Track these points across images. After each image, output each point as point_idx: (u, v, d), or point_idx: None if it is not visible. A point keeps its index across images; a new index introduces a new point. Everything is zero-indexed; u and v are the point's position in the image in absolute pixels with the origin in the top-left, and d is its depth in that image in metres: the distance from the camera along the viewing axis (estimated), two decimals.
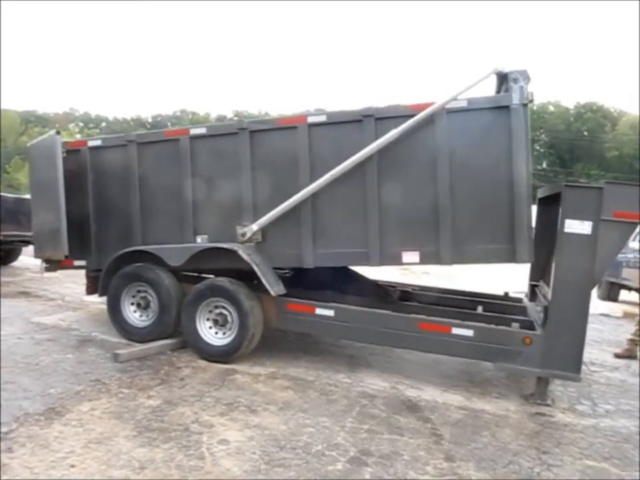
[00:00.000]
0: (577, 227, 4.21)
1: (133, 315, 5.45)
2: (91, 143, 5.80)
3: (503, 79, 4.72)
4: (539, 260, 6.10)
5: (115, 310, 5.46)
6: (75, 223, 5.54)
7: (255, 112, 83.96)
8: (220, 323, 5.05)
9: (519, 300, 6.10)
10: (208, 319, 5.14)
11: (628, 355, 6.13)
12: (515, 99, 4.42)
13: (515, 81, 4.44)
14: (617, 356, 6.15)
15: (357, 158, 4.72)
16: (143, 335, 5.31)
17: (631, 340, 6.22)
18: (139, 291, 5.44)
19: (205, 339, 5.07)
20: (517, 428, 3.99)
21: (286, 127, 5.11)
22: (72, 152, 5.71)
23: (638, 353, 6.16)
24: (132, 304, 5.47)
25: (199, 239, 5.36)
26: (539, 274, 6.10)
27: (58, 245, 5.32)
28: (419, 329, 4.66)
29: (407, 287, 6.25)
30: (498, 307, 5.71)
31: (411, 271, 12.94)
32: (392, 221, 4.76)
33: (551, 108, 68.38)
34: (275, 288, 4.89)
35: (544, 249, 5.41)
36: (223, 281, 5.07)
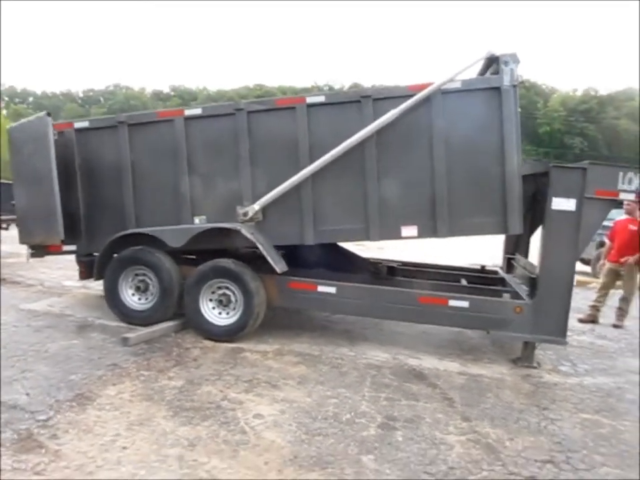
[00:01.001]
0: (563, 204, 4.62)
1: (132, 299, 5.42)
2: (77, 125, 5.59)
3: (491, 61, 5.00)
4: (510, 237, 6.62)
5: (112, 294, 5.39)
6: (62, 208, 5.38)
7: (193, 87, 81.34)
8: (224, 303, 5.14)
9: (495, 272, 6.57)
10: (211, 300, 5.21)
11: (591, 320, 6.78)
12: (506, 81, 4.72)
13: (506, 63, 4.73)
14: (581, 321, 6.78)
15: (357, 138, 4.89)
16: (143, 318, 5.30)
17: (593, 306, 6.87)
18: (136, 275, 5.39)
19: (209, 319, 5.16)
20: (515, 389, 4.41)
21: (284, 107, 5.18)
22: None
23: (599, 318, 6.82)
24: (130, 287, 5.43)
25: (196, 220, 5.37)
26: (512, 247, 6.58)
27: (52, 229, 5.15)
28: (418, 303, 4.97)
29: (391, 262, 6.55)
30: (478, 279, 6.14)
31: (366, 247, 13.38)
32: (391, 197, 4.98)
33: None
34: (279, 265, 5.02)
35: None
36: (228, 262, 5.14)
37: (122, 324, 5.35)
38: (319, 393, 4.08)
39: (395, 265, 6.40)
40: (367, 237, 5.04)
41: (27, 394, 3.60)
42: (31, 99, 75.88)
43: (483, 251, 11.55)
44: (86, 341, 4.80)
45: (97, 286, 7.10)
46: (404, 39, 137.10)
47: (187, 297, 5.18)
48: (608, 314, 7.02)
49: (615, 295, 7.19)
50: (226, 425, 3.45)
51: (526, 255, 6.31)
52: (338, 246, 6.00)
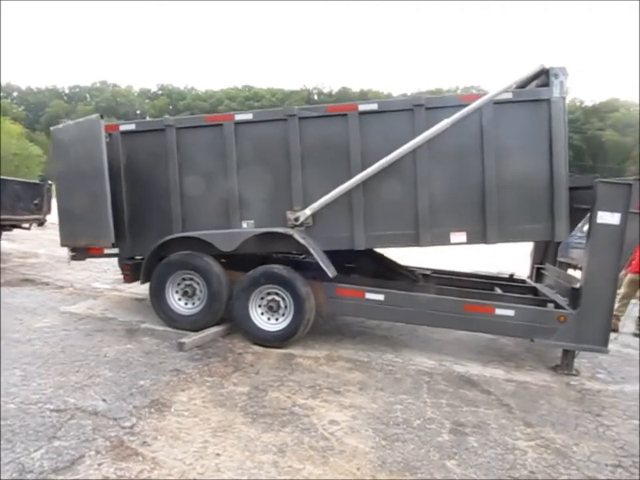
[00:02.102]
0: (607, 218, 4.80)
1: (178, 303, 5.43)
2: (123, 127, 5.59)
3: (539, 73, 5.13)
4: (539, 245, 6.82)
5: (159, 298, 5.40)
6: None
7: (181, 86, 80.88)
8: (273, 309, 5.20)
9: (524, 281, 6.76)
10: (260, 306, 5.26)
11: (612, 329, 7.00)
12: (556, 93, 4.88)
13: (556, 76, 4.89)
14: None
15: (411, 145, 4.99)
16: (190, 323, 5.32)
17: (614, 315, 7.09)
18: (183, 279, 5.41)
19: (258, 324, 5.21)
20: (563, 396, 4.57)
21: (336, 114, 5.27)
22: None
23: (619, 327, 7.06)
24: (177, 292, 5.44)
25: (244, 224, 5.42)
26: (541, 257, 6.78)
27: (102, 232, 5.13)
28: (465, 311, 5.10)
29: (423, 270, 6.68)
30: (509, 288, 6.31)
31: None
32: (441, 203, 5.10)
33: (474, 91, 71.96)
34: (330, 270, 5.10)
35: None
36: (279, 268, 5.20)
37: (168, 328, 5.37)
38: (382, 399, 4.17)
39: (427, 272, 6.53)
40: (417, 242, 5.16)
41: (104, 400, 3.61)
42: (15, 93, 74.38)
43: (481, 258, 11.83)
44: (140, 345, 4.81)
45: (127, 288, 7.11)
46: (393, 44, 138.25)
47: (237, 303, 5.22)
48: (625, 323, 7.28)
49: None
50: (306, 431, 3.52)
51: (553, 264, 6.52)
52: (374, 252, 6.09)
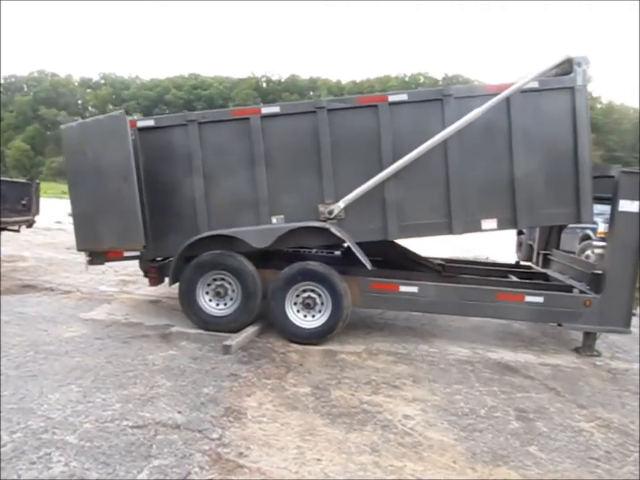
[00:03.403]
0: (628, 206, 5.07)
1: (209, 304, 5.27)
2: (140, 123, 5.30)
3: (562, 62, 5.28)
4: (544, 231, 7.11)
5: (190, 300, 5.21)
6: None
7: (125, 75, 77.63)
8: (310, 306, 5.15)
9: (530, 267, 7.03)
10: (295, 303, 5.20)
11: None
12: (579, 81, 5.06)
13: (579, 64, 5.06)
14: None
15: (443, 135, 5.03)
16: (224, 324, 5.19)
17: None
18: (214, 279, 5.25)
19: (295, 322, 5.15)
20: (597, 376, 4.83)
21: (366, 105, 5.24)
22: None
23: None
24: (207, 293, 5.27)
25: (274, 220, 5.31)
26: (544, 244, 7.07)
27: (131, 234, 4.87)
28: (496, 299, 5.25)
29: (439, 260, 6.80)
30: (522, 275, 6.55)
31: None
32: (472, 191, 5.20)
33: (422, 79, 73.28)
34: (367, 263, 5.10)
35: None
36: (316, 265, 5.16)
37: (200, 330, 5.20)
38: (439, 390, 4.25)
39: (444, 262, 6.66)
40: (450, 230, 5.25)
41: (179, 412, 3.47)
42: None
43: (457, 246, 12.18)
44: (182, 350, 4.63)
45: (135, 290, 6.82)
46: (341, 30, 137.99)
47: (273, 301, 5.13)
48: None
49: None
50: (387, 428, 3.53)
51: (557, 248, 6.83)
52: (395, 243, 6.13)
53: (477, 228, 5.28)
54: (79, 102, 77.27)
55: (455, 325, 6.27)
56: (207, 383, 3.98)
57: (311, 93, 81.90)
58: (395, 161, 5.13)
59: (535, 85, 5.13)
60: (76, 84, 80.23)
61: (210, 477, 2.78)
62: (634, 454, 3.41)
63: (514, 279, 6.26)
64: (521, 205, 5.16)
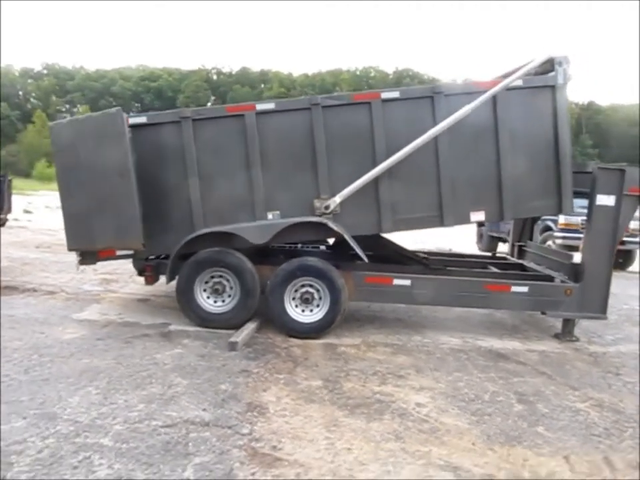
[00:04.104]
0: (604, 200, 5.44)
1: (207, 302, 5.24)
2: (132, 120, 5.16)
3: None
4: (517, 224, 7.49)
5: (188, 297, 5.17)
6: None
7: (69, 66, 74.22)
8: (308, 300, 5.23)
9: (505, 258, 7.39)
10: (294, 298, 5.26)
11: None
12: (560, 79, 5.32)
13: (560, 64, 5.33)
14: None
15: (436, 131, 5.20)
16: (223, 321, 5.19)
17: None
18: (212, 277, 5.23)
19: (294, 317, 5.22)
20: (581, 360, 5.18)
21: (360, 102, 5.35)
22: None
23: None
24: (204, 290, 5.25)
25: (269, 216, 5.34)
26: (518, 236, 7.45)
27: (130, 233, 4.76)
28: (484, 289, 5.51)
29: (421, 253, 7.03)
30: (499, 266, 6.88)
31: None
32: (462, 185, 5.40)
33: (373, 72, 74.04)
34: (364, 257, 5.23)
35: None
36: (315, 261, 5.24)
37: (198, 328, 5.18)
38: (442, 378, 4.44)
39: (426, 255, 6.89)
40: (442, 223, 5.45)
41: (204, 409, 3.48)
42: None
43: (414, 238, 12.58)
44: (187, 349, 4.60)
45: (120, 289, 6.66)
46: (292, 23, 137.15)
47: (272, 297, 5.18)
48: None
49: None
50: (404, 416, 3.69)
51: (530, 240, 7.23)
52: (383, 237, 6.29)
53: (466, 220, 5.52)
54: (20, 93, 73.20)
55: (440, 316, 6.52)
56: (222, 379, 4.00)
57: (262, 86, 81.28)
58: (388, 156, 5.27)
59: (519, 83, 5.39)
60: (16, 74, 75.97)
61: (253, 471, 2.84)
62: (629, 429, 3.72)
63: (494, 270, 6.58)
64: (507, 198, 5.42)
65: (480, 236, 15.04)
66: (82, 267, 7.57)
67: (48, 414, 3.20)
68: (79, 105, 62.71)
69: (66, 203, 4.97)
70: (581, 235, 10.74)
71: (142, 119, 5.25)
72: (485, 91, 5.26)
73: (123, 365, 4.09)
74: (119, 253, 5.27)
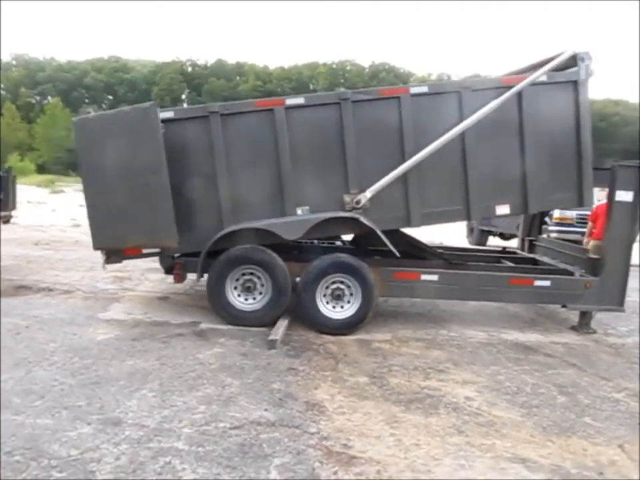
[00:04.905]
0: (623, 196, 5.59)
1: (238, 299, 5.18)
2: (160, 115, 5.03)
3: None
4: (527, 220, 7.63)
5: (219, 295, 5.09)
6: None
7: (39, 57, 71.84)
8: (340, 297, 5.22)
9: (515, 252, 7.52)
10: (324, 295, 5.25)
11: None
12: (582, 75, 5.42)
13: (582, 60, 5.43)
14: None
15: (465, 125, 5.24)
16: (254, 319, 5.13)
17: None
18: (243, 274, 5.16)
19: (326, 314, 5.21)
20: (603, 351, 5.33)
21: (389, 97, 5.35)
22: None
23: None
24: (235, 288, 5.18)
25: (299, 211, 5.30)
26: (527, 230, 7.59)
27: (165, 231, 4.65)
28: (509, 284, 5.61)
29: (439, 248, 7.09)
30: (513, 260, 7.00)
31: None
32: (487, 179, 5.46)
33: (349, 66, 73.96)
34: (396, 252, 5.24)
35: None
36: (346, 257, 5.23)
37: (229, 326, 5.11)
38: (481, 372, 4.51)
39: (442, 250, 6.95)
40: (468, 217, 5.53)
41: (265, 409, 3.45)
42: None
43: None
44: (227, 348, 4.54)
45: (136, 287, 6.53)
46: (267, 15, 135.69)
47: (304, 294, 5.15)
48: None
49: None
50: (458, 410, 3.73)
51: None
52: (404, 233, 6.31)
53: (492, 213, 5.59)
54: None
55: (458, 309, 6.60)
56: (272, 378, 3.97)
57: (238, 78, 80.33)
58: (416, 151, 5.28)
59: (544, 78, 5.46)
60: None
61: (334, 470, 2.84)
62: None
63: (509, 264, 6.69)
64: (531, 191, 5.50)
65: (470, 230, 15.24)
66: (91, 265, 7.49)
67: (111, 419, 3.11)
68: (49, 97, 60.88)
69: (92, 201, 4.82)
70: (575, 229, 11.29)
71: (169, 114, 5.12)
72: (510, 87, 5.33)
73: (169, 366, 4.00)
74: (145, 251, 5.16)
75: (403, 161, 5.30)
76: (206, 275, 5.24)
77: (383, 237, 5.18)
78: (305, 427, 3.27)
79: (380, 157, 5.36)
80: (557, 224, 11.04)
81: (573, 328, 6.02)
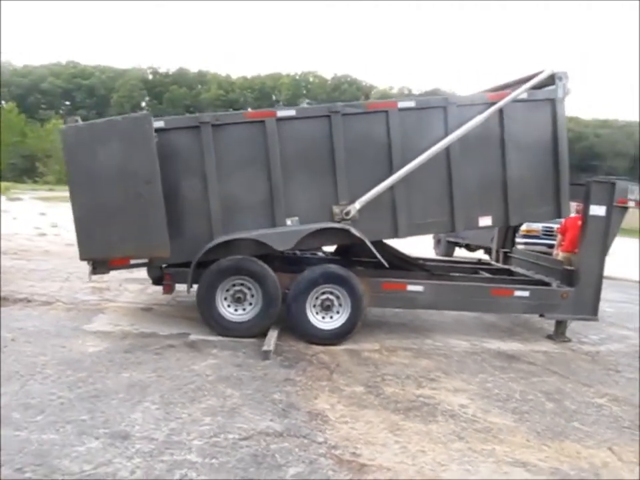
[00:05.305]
0: (597, 210, 5.90)
1: (227, 310, 5.14)
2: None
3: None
4: (501, 232, 7.91)
5: (210, 306, 5.05)
6: None
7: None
8: (329, 307, 5.27)
9: (489, 264, 7.78)
10: (314, 305, 5.28)
11: None
12: (560, 93, 5.70)
13: (560, 79, 5.70)
14: None
15: (450, 139, 5.41)
16: (244, 330, 5.11)
17: None
18: (233, 285, 5.14)
19: (316, 324, 5.24)
20: (580, 359, 5.58)
21: (377, 110, 5.49)
22: None
23: None
24: (225, 298, 5.14)
25: (288, 222, 5.33)
26: (501, 242, 7.87)
27: (157, 241, 4.57)
28: (491, 295, 5.80)
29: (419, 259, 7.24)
30: (488, 271, 7.24)
31: None
32: (471, 192, 5.64)
33: (312, 78, 74.58)
34: (385, 262, 5.34)
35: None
36: (336, 268, 5.29)
37: (219, 337, 5.06)
38: (470, 380, 4.64)
39: (422, 261, 7.11)
40: (453, 228, 5.68)
41: (271, 420, 3.44)
42: None
43: None
44: (220, 359, 4.48)
45: (116, 297, 6.37)
46: (230, 25, 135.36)
47: (294, 304, 5.16)
48: None
49: None
50: (455, 417, 3.84)
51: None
52: (386, 244, 6.43)
53: (475, 225, 5.78)
54: None
55: (438, 319, 6.77)
56: (271, 389, 3.97)
57: (200, 87, 79.73)
58: (404, 163, 5.41)
59: (524, 95, 5.72)
60: None
61: (347, 478, 2.87)
62: None
63: (486, 275, 6.92)
64: (512, 204, 5.72)
65: (437, 241, 15.57)
66: (65, 276, 7.25)
67: (119, 432, 3.04)
68: (4, 102, 58.53)
69: (80, 210, 4.69)
70: (541, 241, 11.76)
71: (160, 124, 5.07)
72: (493, 103, 5.56)
73: (166, 378, 3.93)
74: (132, 261, 5.06)
75: (391, 173, 5.42)
76: (195, 286, 5.21)
77: (372, 248, 5.27)
78: (312, 437, 3.29)
79: (368, 169, 5.46)
80: (524, 236, 11.47)
81: (549, 337, 6.28)
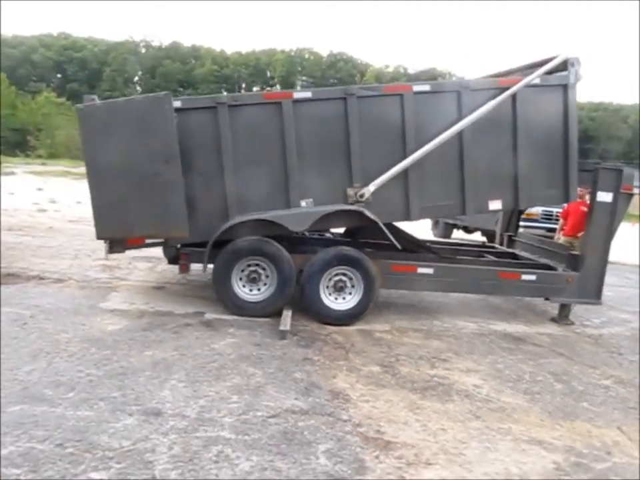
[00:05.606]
0: (604, 197, 5.99)
1: (243, 290, 5.20)
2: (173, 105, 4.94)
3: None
4: (505, 216, 8.00)
5: (225, 286, 5.10)
6: None
7: None
8: (342, 288, 5.35)
9: (494, 247, 7.88)
10: (327, 287, 5.36)
11: None
12: (572, 79, 5.73)
13: (572, 65, 5.73)
14: None
15: (464, 123, 5.44)
16: (258, 310, 5.18)
17: None
18: (248, 265, 5.18)
19: (330, 305, 5.32)
20: (584, 341, 5.73)
21: (392, 93, 5.49)
22: None
23: None
24: (240, 279, 5.20)
25: (303, 203, 5.36)
26: (506, 226, 7.97)
27: (176, 222, 4.59)
28: (498, 277, 5.91)
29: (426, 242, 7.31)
30: (494, 255, 7.34)
31: None
32: (482, 175, 5.69)
33: (307, 54, 73.55)
34: (397, 244, 5.41)
35: None
36: (350, 250, 5.35)
37: (234, 316, 5.13)
38: (481, 361, 4.76)
39: (429, 245, 7.18)
40: (463, 211, 5.75)
41: (296, 398, 3.54)
42: None
43: None
44: (239, 338, 4.56)
45: (127, 276, 6.40)
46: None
47: (308, 285, 5.23)
48: None
49: None
50: (470, 397, 3.96)
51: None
52: (395, 226, 6.48)
53: (485, 208, 5.84)
54: None
55: (444, 301, 6.87)
56: (292, 368, 4.06)
57: (193, 62, 78.36)
58: (417, 146, 5.44)
59: (537, 81, 5.74)
60: None
61: (375, 454, 2.98)
62: None
63: (492, 258, 7.01)
64: (522, 188, 5.77)
65: (435, 222, 15.65)
66: (74, 253, 7.26)
67: (151, 409, 3.12)
68: None
69: (97, 190, 4.68)
70: (540, 224, 11.88)
71: (177, 104, 5.02)
72: (507, 87, 5.58)
73: (189, 357, 4.01)
74: (148, 240, 5.09)
75: (405, 156, 5.45)
76: (210, 266, 5.25)
77: (385, 230, 5.33)
78: (337, 415, 3.39)
79: (382, 152, 5.49)
80: (523, 219, 11.54)
81: (553, 319, 6.42)
